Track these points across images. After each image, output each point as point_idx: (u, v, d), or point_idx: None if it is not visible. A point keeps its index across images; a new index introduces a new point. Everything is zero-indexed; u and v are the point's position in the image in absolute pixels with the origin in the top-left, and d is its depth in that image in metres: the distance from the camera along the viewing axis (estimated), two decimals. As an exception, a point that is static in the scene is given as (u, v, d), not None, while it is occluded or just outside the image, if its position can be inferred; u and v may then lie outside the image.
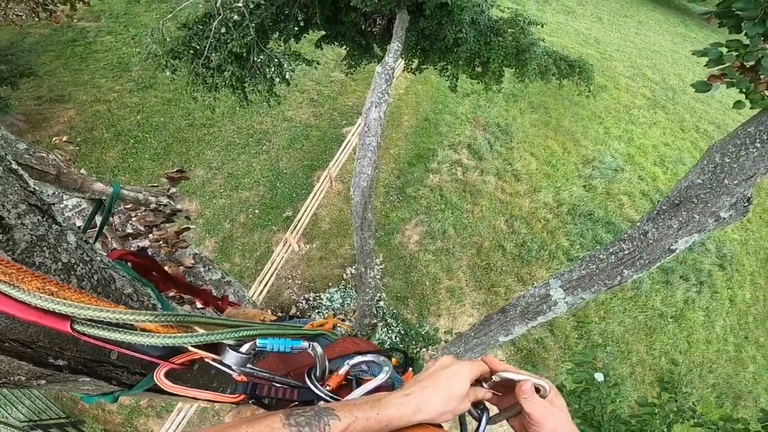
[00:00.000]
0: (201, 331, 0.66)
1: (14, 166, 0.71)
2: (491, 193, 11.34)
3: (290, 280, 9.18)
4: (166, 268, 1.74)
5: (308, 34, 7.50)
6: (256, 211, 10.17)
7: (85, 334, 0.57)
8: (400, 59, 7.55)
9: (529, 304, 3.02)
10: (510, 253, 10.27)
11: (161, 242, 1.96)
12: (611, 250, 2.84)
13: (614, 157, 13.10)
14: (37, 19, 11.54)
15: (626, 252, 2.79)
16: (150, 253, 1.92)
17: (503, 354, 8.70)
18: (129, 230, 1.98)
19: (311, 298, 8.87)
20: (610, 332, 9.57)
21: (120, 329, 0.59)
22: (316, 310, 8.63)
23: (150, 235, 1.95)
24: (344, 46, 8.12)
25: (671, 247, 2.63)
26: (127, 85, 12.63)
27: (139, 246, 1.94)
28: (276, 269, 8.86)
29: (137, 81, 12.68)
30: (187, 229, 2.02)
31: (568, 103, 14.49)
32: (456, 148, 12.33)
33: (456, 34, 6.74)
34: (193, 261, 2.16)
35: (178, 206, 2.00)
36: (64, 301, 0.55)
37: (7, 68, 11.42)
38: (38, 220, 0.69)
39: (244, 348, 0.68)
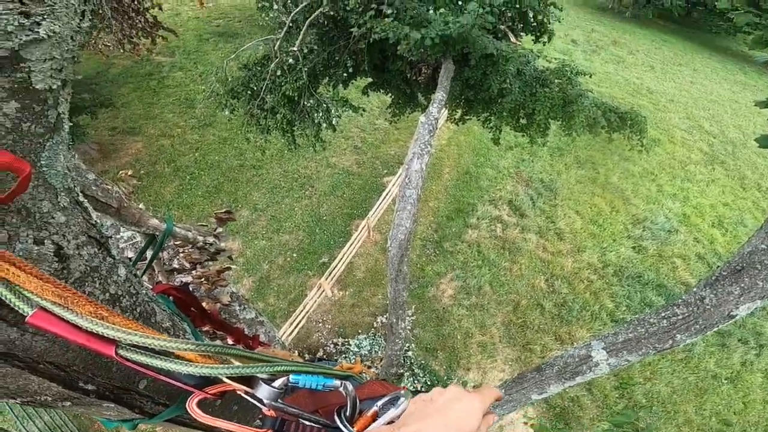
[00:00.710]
0: (237, 363, 0.67)
1: (81, 198, 0.76)
2: (532, 252, 10.95)
3: (320, 324, 9.13)
4: (203, 304, 1.79)
5: (356, 80, 7.72)
6: (294, 255, 10.35)
7: (128, 359, 0.59)
8: (444, 109, 7.62)
9: (567, 364, 2.83)
10: (549, 312, 9.77)
11: (203, 279, 2.03)
12: (663, 314, 2.65)
13: (668, 217, 12.38)
14: (122, 51, 12.51)
15: (680, 317, 2.59)
16: (191, 289, 1.99)
17: (534, 411, 8.14)
18: (175, 265, 2.07)
19: (339, 343, 8.75)
20: (655, 393, 8.79)
21: (161, 357, 0.60)
22: (343, 355, 8.49)
23: (193, 272, 2.03)
24: (389, 94, 8.30)
25: (731, 314, 2.43)
26: (190, 121, 13.48)
27: (182, 281, 2.02)
28: (308, 312, 8.87)
29: (199, 118, 13.51)
30: (229, 269, 2.09)
31: (618, 159, 14.00)
32: (497, 203, 12.09)
33: (500, 85, 6.67)
34: (229, 299, 2.21)
35: (222, 245, 2.09)
36: (113, 326, 0.57)
37: (90, 97, 11.94)
38: (95, 252, 0.73)
39: (278, 382, 0.68)
